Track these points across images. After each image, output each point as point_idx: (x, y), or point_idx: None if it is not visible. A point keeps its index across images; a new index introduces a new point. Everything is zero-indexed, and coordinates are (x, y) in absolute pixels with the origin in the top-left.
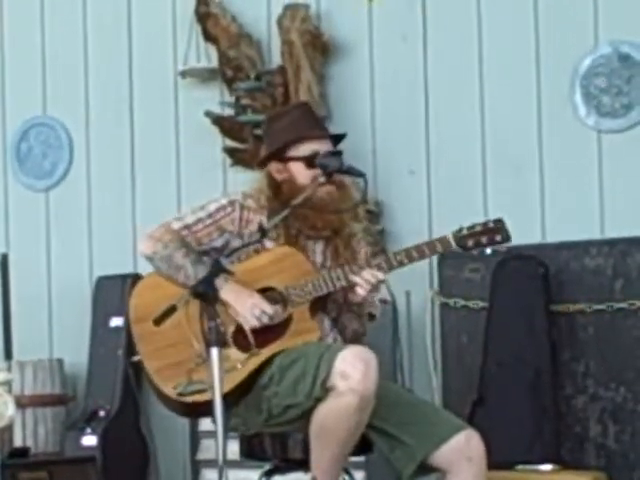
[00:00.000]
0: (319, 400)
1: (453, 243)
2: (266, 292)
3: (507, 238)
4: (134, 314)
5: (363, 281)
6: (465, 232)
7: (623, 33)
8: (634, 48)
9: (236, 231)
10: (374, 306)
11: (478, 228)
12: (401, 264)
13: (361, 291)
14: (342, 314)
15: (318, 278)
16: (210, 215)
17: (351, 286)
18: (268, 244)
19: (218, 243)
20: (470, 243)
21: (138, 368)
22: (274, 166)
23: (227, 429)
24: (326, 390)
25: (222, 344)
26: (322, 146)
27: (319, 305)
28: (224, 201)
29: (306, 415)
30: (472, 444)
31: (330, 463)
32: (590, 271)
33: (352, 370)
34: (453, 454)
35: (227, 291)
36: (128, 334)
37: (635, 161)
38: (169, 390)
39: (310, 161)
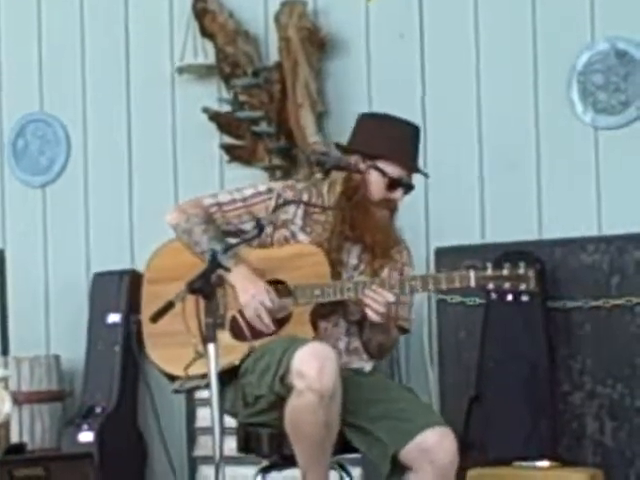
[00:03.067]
0: (280, 395)
1: (473, 281)
2: (276, 285)
3: (533, 289)
4: (149, 273)
5: (370, 300)
6: (489, 273)
7: (620, 30)
8: (631, 45)
9: (268, 219)
10: (405, 319)
11: (505, 272)
12: (414, 290)
13: (369, 312)
14: (367, 326)
15: (329, 284)
16: (245, 198)
17: (361, 304)
18: (301, 237)
19: (247, 226)
20: (491, 285)
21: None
22: (356, 159)
23: (224, 425)
24: (287, 387)
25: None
26: (408, 177)
27: (324, 311)
28: (262, 188)
29: (274, 408)
30: (442, 445)
31: (311, 461)
32: (587, 267)
33: (307, 368)
34: (416, 453)
35: (235, 275)
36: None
37: (632, 158)
38: (155, 356)
39: (392, 183)
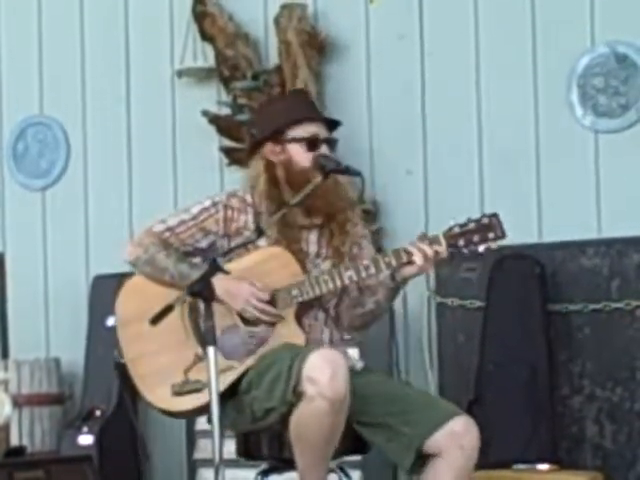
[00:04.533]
0: (293, 405)
1: (443, 243)
2: None
3: (502, 235)
4: (119, 318)
5: (416, 249)
6: (457, 230)
7: (620, 33)
8: (631, 48)
9: (221, 232)
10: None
11: (471, 225)
12: (390, 267)
13: (418, 259)
14: (357, 290)
15: (304, 282)
16: (194, 217)
17: (405, 262)
18: (260, 241)
19: (203, 244)
20: (461, 242)
21: (126, 371)
22: (270, 148)
23: (223, 428)
24: (298, 395)
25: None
26: (320, 130)
27: (307, 307)
28: (207, 203)
29: (287, 419)
30: (469, 434)
31: (313, 465)
32: (587, 271)
33: (319, 375)
34: (446, 439)
35: (217, 287)
36: (117, 343)
37: (632, 161)
38: (152, 397)
39: (311, 143)
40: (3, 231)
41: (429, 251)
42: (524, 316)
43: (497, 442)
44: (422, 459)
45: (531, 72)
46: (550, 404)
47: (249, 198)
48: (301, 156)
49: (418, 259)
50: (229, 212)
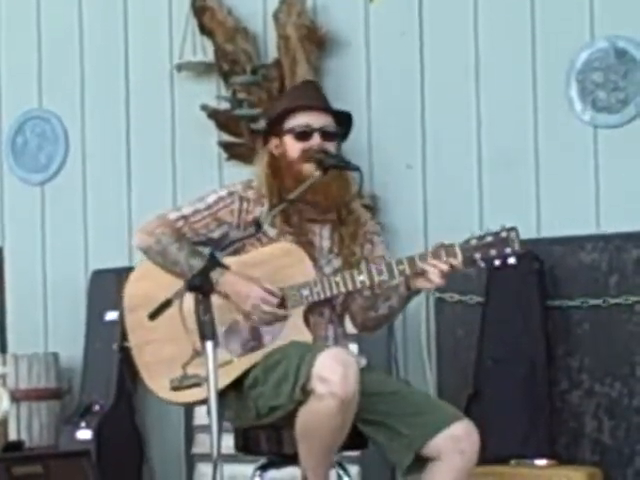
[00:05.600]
0: (300, 403)
1: (460, 255)
2: None
3: (518, 249)
4: (127, 302)
5: (430, 266)
6: (474, 243)
7: (620, 28)
8: (631, 43)
9: (235, 222)
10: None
11: (488, 239)
12: (403, 274)
13: (432, 276)
14: (370, 293)
15: (316, 282)
16: (209, 206)
17: (420, 272)
18: (271, 232)
19: (216, 234)
20: (477, 255)
21: (129, 355)
22: (273, 142)
23: (222, 423)
24: (307, 393)
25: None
26: (317, 120)
27: (315, 306)
28: (223, 192)
29: (291, 416)
30: (469, 438)
31: (317, 463)
32: (585, 266)
33: (331, 374)
34: (447, 443)
35: (224, 285)
36: (123, 327)
37: (630, 157)
38: (154, 386)
39: (300, 133)
40: (2, 225)
41: (445, 268)
42: (523, 311)
43: (495, 437)
44: (420, 461)
45: (530, 67)
46: (549, 399)
47: (264, 190)
48: (292, 147)
49: (434, 276)
50: (244, 204)
